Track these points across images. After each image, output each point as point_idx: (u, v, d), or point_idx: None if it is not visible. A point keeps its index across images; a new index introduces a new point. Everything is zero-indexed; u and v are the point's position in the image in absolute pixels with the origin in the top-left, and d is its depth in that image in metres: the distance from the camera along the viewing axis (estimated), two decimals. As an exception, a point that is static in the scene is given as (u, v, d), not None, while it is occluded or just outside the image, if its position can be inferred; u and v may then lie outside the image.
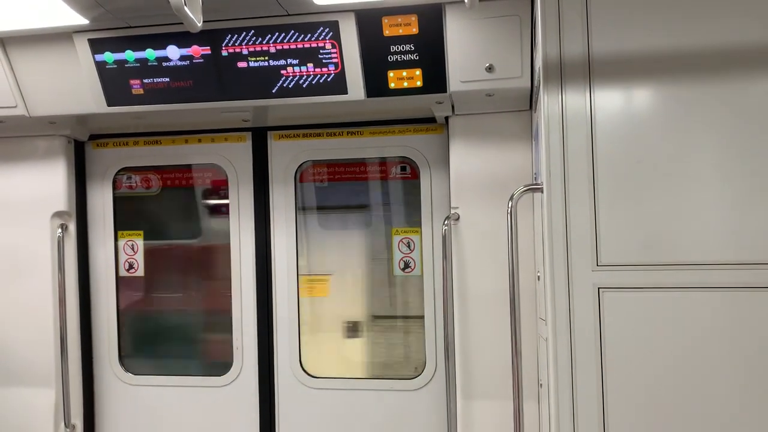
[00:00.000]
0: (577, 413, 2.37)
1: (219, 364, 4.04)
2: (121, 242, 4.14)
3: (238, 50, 3.26)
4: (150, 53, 3.34)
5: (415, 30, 3.11)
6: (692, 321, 2.33)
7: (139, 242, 4.15)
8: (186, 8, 2.13)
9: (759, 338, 2.29)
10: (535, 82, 2.92)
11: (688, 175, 2.34)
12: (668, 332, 2.34)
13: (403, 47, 3.16)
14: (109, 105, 3.49)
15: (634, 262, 2.37)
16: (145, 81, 3.41)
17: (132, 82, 3.42)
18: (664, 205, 2.35)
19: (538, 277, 2.96)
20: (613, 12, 2.41)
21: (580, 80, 2.42)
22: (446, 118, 3.58)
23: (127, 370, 4.10)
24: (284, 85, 3.31)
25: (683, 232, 2.34)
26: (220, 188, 4.12)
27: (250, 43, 3.24)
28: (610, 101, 2.41)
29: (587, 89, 2.42)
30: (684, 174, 2.34)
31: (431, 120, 3.70)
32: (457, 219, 3.48)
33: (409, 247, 3.88)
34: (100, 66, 3.39)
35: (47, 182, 3.91)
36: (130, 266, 4.14)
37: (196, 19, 2.21)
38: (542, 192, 2.49)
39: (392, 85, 3.25)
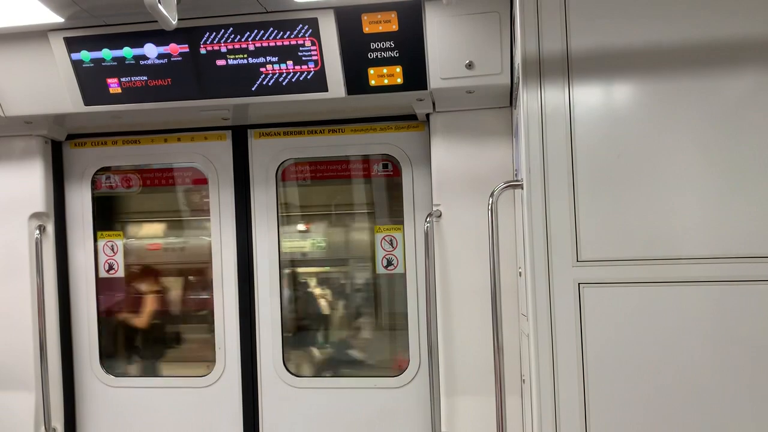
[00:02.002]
0: (558, 408, 2.38)
1: (201, 365, 4.02)
2: (101, 243, 4.10)
3: (216, 48, 3.24)
4: (127, 51, 3.30)
5: (394, 27, 3.10)
6: (672, 315, 2.34)
7: (119, 243, 4.10)
8: (160, 6, 2.10)
9: (739, 331, 2.31)
10: (515, 79, 2.92)
11: (667, 170, 2.36)
12: (648, 327, 2.35)
13: (383, 44, 3.15)
14: (86, 104, 3.45)
15: (614, 257, 2.38)
16: (123, 80, 3.37)
17: (109, 80, 3.38)
18: (644, 201, 2.36)
19: (520, 273, 2.97)
20: (591, 8, 2.42)
21: (559, 76, 2.43)
22: (427, 115, 3.58)
23: (108, 371, 4.05)
24: (264, 82, 3.29)
25: (663, 227, 2.35)
26: (200, 187, 4.09)
27: (228, 41, 3.22)
28: (589, 97, 2.42)
29: (566, 85, 2.42)
30: (664, 169, 2.36)
31: (412, 117, 3.70)
32: (439, 216, 3.48)
33: (391, 244, 3.88)
34: (77, 65, 3.35)
35: (24, 183, 3.85)
36: (110, 267, 4.10)
37: (170, 17, 2.19)
38: (522, 188, 2.50)
39: (373, 83, 3.24)
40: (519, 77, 2.54)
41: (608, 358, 2.36)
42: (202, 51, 3.25)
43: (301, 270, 4.17)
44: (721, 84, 2.35)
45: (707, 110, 2.35)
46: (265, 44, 3.20)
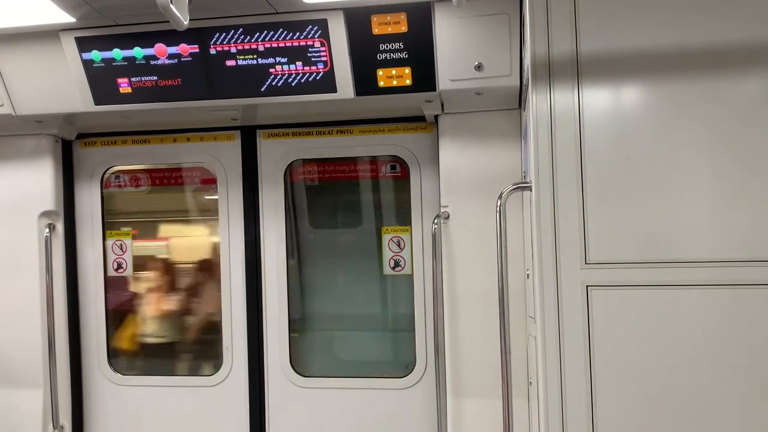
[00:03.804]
0: (566, 411, 2.38)
1: (208, 364, 4.03)
2: (110, 242, 4.12)
3: (226, 48, 3.25)
4: (138, 51, 3.32)
5: (404, 28, 3.10)
6: (681, 318, 2.33)
7: (128, 242, 4.12)
8: (172, 6, 2.12)
9: (748, 335, 2.30)
10: (524, 81, 2.92)
11: (676, 173, 2.35)
12: (657, 330, 2.34)
13: (392, 45, 3.16)
14: (96, 104, 3.47)
15: (622, 259, 2.37)
16: (133, 79, 3.39)
17: (120, 80, 3.40)
18: (652, 203, 2.36)
19: (528, 275, 2.96)
20: (601, 10, 2.41)
21: (569, 78, 2.42)
22: (436, 117, 3.58)
23: (116, 370, 4.07)
24: (273, 83, 3.30)
25: (672, 230, 2.35)
26: (209, 187, 4.11)
27: (238, 42, 3.23)
28: (599, 99, 2.41)
29: (576, 87, 2.42)
30: (672, 171, 2.35)
31: (421, 119, 3.70)
32: (447, 217, 3.48)
33: (399, 245, 3.88)
34: (88, 64, 3.37)
35: (34, 182, 3.88)
36: (119, 266, 4.12)
37: (182, 18, 2.20)
38: (531, 190, 2.50)
39: (381, 84, 3.24)
40: (528, 79, 2.54)
41: (616, 360, 2.36)
42: (212, 51, 3.26)
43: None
44: (731, 87, 2.34)
45: (717, 114, 2.34)
46: (274, 45, 3.22)
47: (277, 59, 3.24)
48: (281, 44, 3.21)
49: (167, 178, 4.18)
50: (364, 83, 3.25)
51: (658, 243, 2.35)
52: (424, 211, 3.77)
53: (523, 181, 2.98)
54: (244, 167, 3.96)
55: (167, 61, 3.31)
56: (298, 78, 3.27)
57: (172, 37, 3.25)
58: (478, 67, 3.11)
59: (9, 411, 3.87)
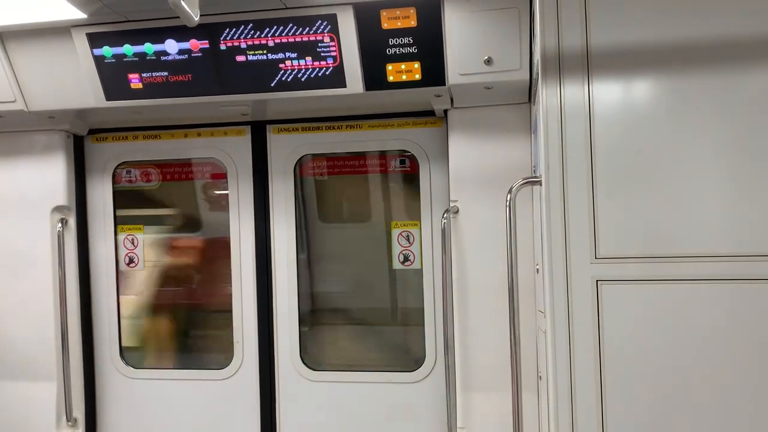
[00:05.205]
0: (575, 405, 2.38)
1: (218, 358, 4.07)
2: (121, 236, 4.15)
3: (236, 44, 3.26)
4: (148, 47, 3.33)
5: (413, 23, 3.10)
6: (690, 313, 2.33)
7: (140, 236, 4.15)
8: (183, 2, 2.13)
9: (757, 330, 2.30)
10: (534, 75, 2.91)
11: (686, 168, 2.34)
12: (666, 324, 2.34)
13: (401, 40, 3.16)
14: (107, 99, 3.49)
15: (632, 254, 2.37)
16: (144, 75, 3.40)
17: (131, 76, 3.42)
18: (662, 198, 2.35)
19: (537, 269, 2.96)
20: (612, 3, 2.40)
21: (579, 72, 2.42)
22: (445, 111, 3.58)
23: (128, 363, 4.11)
24: (283, 78, 3.30)
25: (682, 225, 2.34)
26: (219, 182, 4.13)
27: (248, 37, 3.24)
28: (609, 93, 2.40)
29: (586, 81, 2.41)
30: (682, 166, 2.34)
31: (430, 113, 3.70)
32: (457, 212, 3.48)
33: (408, 240, 3.89)
34: (99, 60, 3.39)
35: (47, 177, 3.91)
36: (131, 260, 4.15)
37: (193, 13, 2.21)
38: (541, 185, 2.49)
39: (391, 79, 3.24)
40: (538, 73, 2.54)
41: (626, 355, 2.36)
42: (222, 47, 3.27)
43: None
44: (742, 81, 2.33)
45: (727, 107, 2.33)
46: (284, 40, 3.22)
47: (287, 54, 3.25)
48: (291, 39, 3.21)
49: (178, 173, 4.20)
50: (374, 78, 3.25)
51: (669, 238, 2.35)
52: (434, 205, 3.77)
53: (533, 175, 2.98)
54: (254, 162, 3.98)
55: (178, 57, 3.33)
56: (307, 73, 3.28)
57: (182, 32, 3.26)
58: (488, 62, 3.11)
59: (23, 404, 3.91)
